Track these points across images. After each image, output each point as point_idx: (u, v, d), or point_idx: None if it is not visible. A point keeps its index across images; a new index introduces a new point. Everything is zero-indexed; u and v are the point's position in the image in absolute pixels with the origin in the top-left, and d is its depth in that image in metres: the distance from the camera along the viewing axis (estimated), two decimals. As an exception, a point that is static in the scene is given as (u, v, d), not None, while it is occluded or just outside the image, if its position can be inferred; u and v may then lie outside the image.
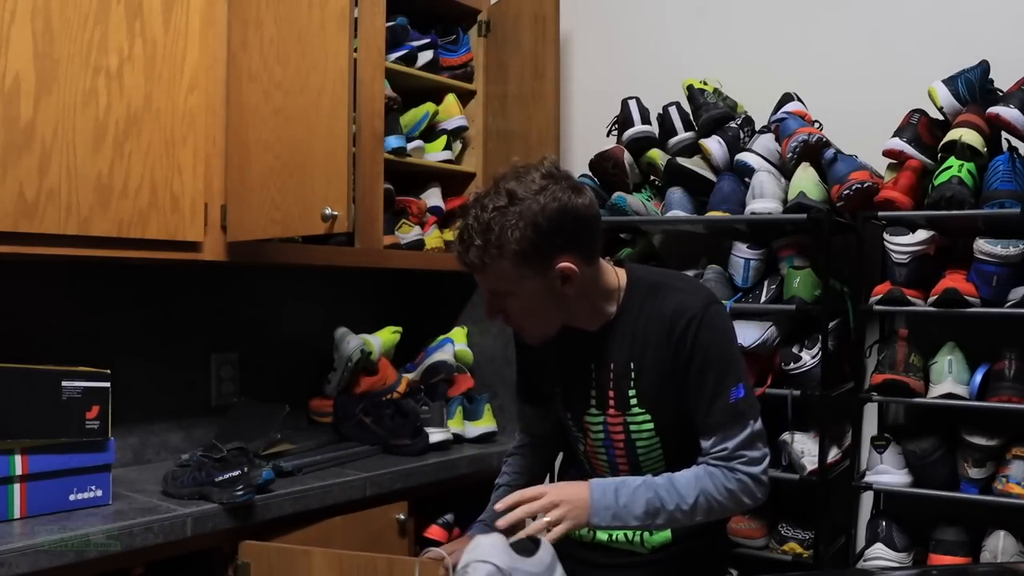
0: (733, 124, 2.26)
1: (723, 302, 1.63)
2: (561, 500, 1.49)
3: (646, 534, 1.64)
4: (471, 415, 2.58)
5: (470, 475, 2.41)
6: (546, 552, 1.48)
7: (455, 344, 2.67)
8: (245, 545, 1.77)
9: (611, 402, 1.61)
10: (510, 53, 2.62)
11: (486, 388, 2.73)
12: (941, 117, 2.04)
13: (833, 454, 2.10)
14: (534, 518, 1.50)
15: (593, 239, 1.53)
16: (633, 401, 1.59)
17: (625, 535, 1.66)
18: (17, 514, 1.70)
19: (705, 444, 1.54)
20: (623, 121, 2.39)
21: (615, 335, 1.59)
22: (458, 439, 2.51)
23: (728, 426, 1.52)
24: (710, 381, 1.52)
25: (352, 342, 2.55)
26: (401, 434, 2.36)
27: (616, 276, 1.60)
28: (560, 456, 1.87)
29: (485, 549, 1.44)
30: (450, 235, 2.65)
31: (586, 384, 1.63)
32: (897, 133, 2.03)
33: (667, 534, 1.63)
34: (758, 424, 1.55)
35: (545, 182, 1.46)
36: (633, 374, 1.58)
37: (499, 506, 1.52)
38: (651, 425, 1.59)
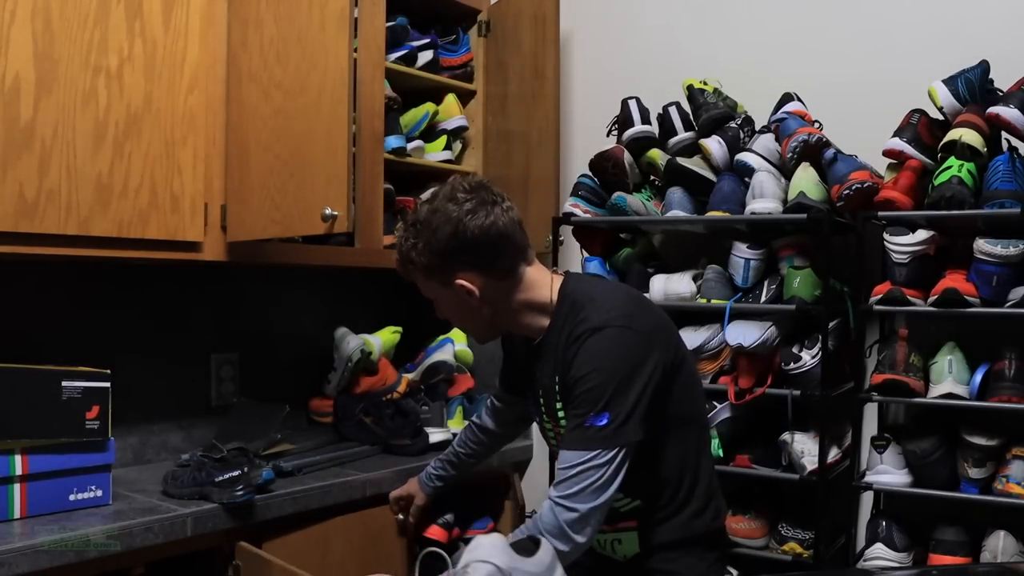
0: (733, 124, 2.26)
1: (628, 325, 1.52)
2: None
3: (616, 544, 1.66)
4: (471, 415, 2.58)
5: (470, 475, 2.41)
6: (546, 552, 1.48)
7: (455, 344, 2.67)
8: (241, 547, 1.77)
9: (551, 413, 1.65)
10: (510, 53, 2.62)
11: (486, 388, 2.73)
12: (941, 117, 2.04)
13: (833, 454, 2.10)
14: None
15: (493, 257, 1.57)
16: (561, 415, 1.61)
17: (599, 542, 1.68)
18: (17, 514, 1.70)
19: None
20: (623, 121, 2.39)
21: (546, 348, 1.62)
22: (458, 439, 2.51)
23: (573, 446, 1.49)
24: (576, 400, 1.50)
25: (352, 342, 2.55)
26: (401, 434, 2.36)
27: (551, 292, 1.62)
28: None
29: (485, 549, 1.44)
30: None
31: (537, 392, 1.68)
32: (897, 133, 2.03)
33: (635, 546, 1.63)
34: (605, 457, 1.46)
35: (446, 204, 1.55)
36: (557, 388, 1.60)
37: None
38: None
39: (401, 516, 2.06)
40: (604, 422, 1.47)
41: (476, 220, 1.54)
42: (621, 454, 1.48)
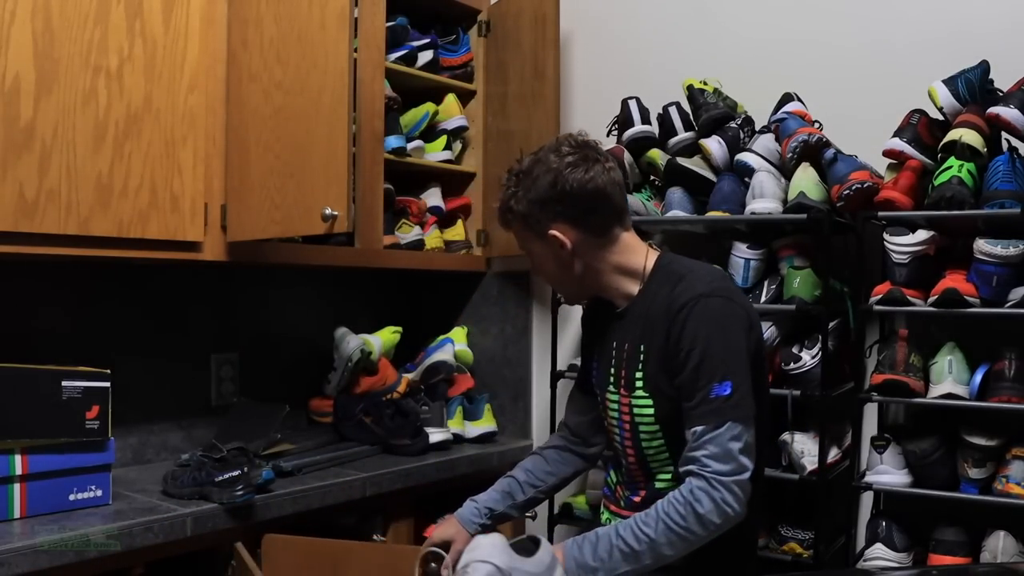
0: (733, 124, 2.26)
1: (731, 298, 1.57)
2: None
3: None
4: (471, 415, 2.58)
5: (470, 475, 2.41)
6: (546, 552, 1.48)
7: (455, 344, 2.67)
8: (240, 547, 1.77)
9: (621, 382, 1.64)
10: (510, 53, 2.62)
11: (486, 388, 2.73)
12: (941, 117, 2.04)
13: (833, 454, 2.10)
14: None
15: (589, 212, 1.59)
16: (638, 384, 1.61)
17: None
18: (17, 514, 1.70)
19: (687, 435, 1.52)
20: (623, 121, 2.39)
21: (633, 315, 1.63)
22: (458, 439, 2.51)
23: (705, 419, 1.48)
24: (693, 371, 1.51)
25: (352, 342, 2.55)
26: (401, 434, 2.36)
27: (645, 259, 1.64)
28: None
29: (485, 549, 1.45)
30: (450, 235, 2.66)
31: (608, 361, 1.67)
32: (897, 133, 2.03)
33: None
34: (738, 428, 1.47)
35: (549, 155, 1.59)
36: (641, 356, 1.60)
37: None
38: (652, 411, 1.59)
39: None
40: (728, 391, 1.48)
41: (576, 173, 1.57)
42: (751, 428, 1.49)
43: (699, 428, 1.49)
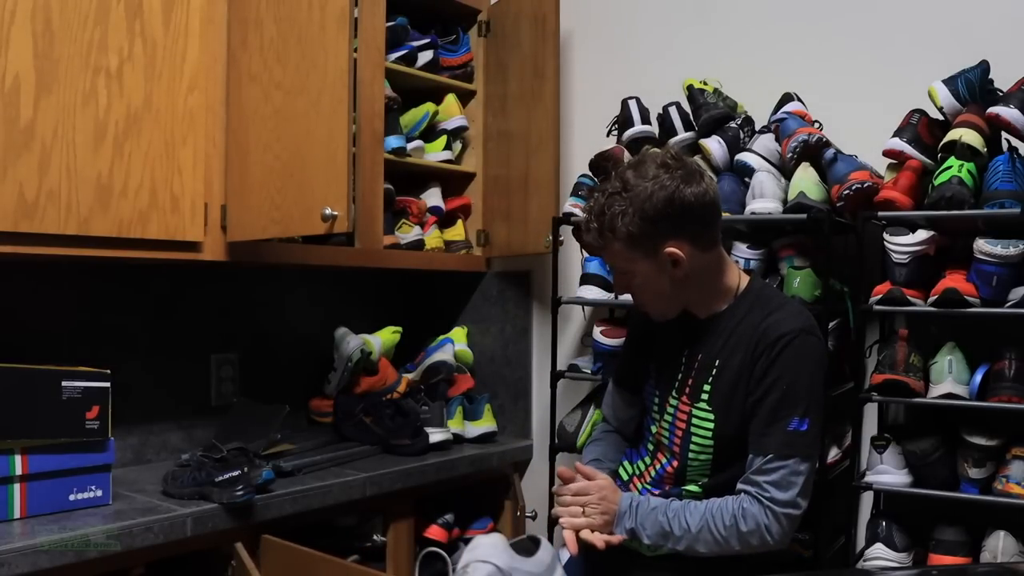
0: (733, 124, 2.26)
1: (822, 339, 1.63)
2: (605, 508, 1.58)
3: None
4: (471, 415, 2.58)
5: (470, 475, 2.42)
6: (546, 552, 1.49)
7: (455, 344, 2.67)
8: (240, 547, 1.77)
9: (687, 390, 1.65)
10: (510, 53, 2.62)
11: (486, 388, 2.73)
12: (941, 117, 2.04)
13: (833, 454, 2.10)
14: None
15: (704, 227, 1.58)
16: (704, 396, 1.62)
17: None
18: (17, 514, 1.70)
19: (749, 458, 1.57)
20: (623, 121, 2.39)
21: (715, 329, 1.64)
22: (458, 439, 2.51)
23: (777, 448, 1.53)
24: (777, 400, 1.54)
25: (352, 342, 2.55)
26: (401, 434, 2.36)
27: (738, 279, 1.66)
28: None
29: (485, 549, 1.45)
30: (450, 235, 2.66)
31: (675, 367, 1.68)
32: (897, 133, 2.03)
33: None
34: (803, 467, 1.54)
35: (658, 171, 1.54)
36: (715, 371, 1.61)
37: (562, 471, 1.65)
38: (711, 426, 1.61)
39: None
40: (806, 427, 1.53)
41: (691, 188, 1.54)
42: (815, 468, 1.56)
43: (769, 455, 1.54)
